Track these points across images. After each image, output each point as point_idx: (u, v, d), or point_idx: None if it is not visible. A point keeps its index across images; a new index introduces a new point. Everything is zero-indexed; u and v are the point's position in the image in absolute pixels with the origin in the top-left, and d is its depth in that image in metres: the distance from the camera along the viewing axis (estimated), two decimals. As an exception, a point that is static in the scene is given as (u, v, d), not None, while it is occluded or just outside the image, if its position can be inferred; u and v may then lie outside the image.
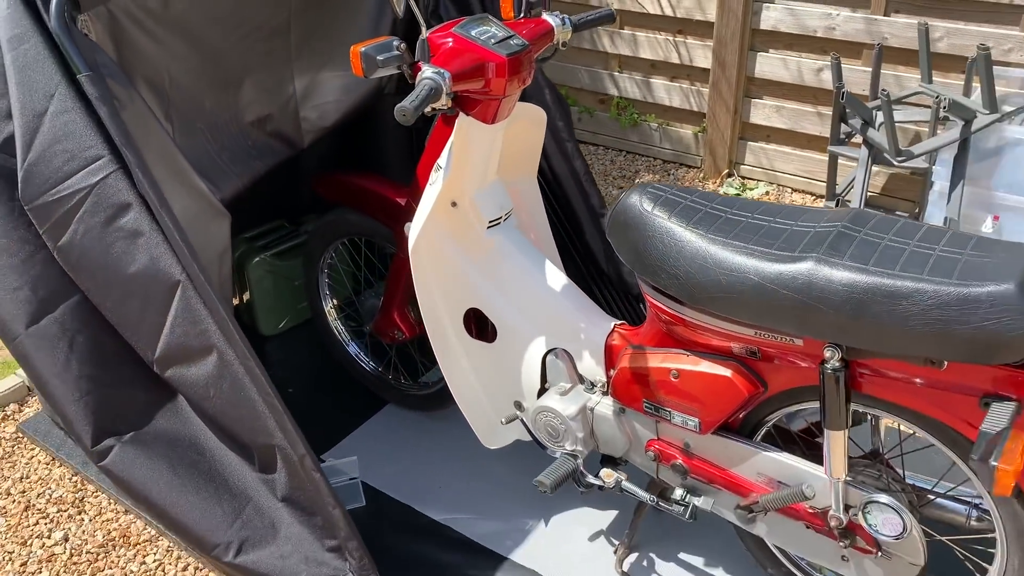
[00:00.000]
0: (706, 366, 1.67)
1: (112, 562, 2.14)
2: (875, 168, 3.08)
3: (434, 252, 1.91)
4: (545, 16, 1.89)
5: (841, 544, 1.65)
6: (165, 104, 1.77)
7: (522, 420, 2.01)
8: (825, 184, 3.35)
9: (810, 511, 1.67)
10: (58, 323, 1.73)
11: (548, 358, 1.95)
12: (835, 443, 1.55)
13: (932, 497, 1.69)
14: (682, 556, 2.04)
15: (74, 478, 2.38)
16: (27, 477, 2.41)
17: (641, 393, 1.78)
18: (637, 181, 3.85)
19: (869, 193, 3.37)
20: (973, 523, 1.66)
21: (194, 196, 1.72)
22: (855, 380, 1.52)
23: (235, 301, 2.81)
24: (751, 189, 3.72)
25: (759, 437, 1.75)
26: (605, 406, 1.88)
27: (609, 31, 3.88)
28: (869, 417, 1.74)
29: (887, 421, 1.71)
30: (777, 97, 3.58)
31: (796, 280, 1.43)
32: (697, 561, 2.03)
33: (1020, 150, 2.70)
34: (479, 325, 2.05)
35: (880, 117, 2.88)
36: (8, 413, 2.64)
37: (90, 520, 2.26)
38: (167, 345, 1.71)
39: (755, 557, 1.90)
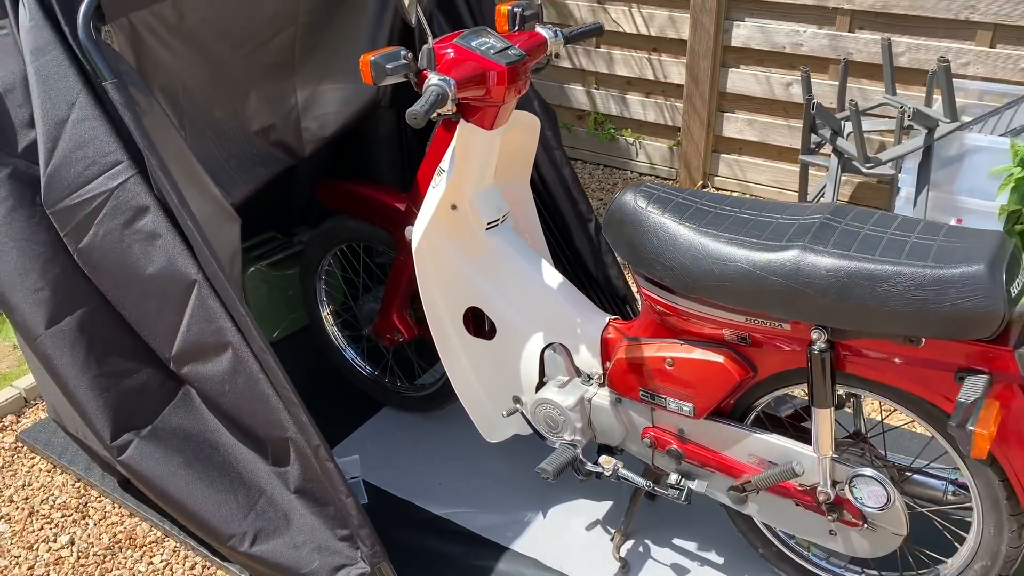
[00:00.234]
0: (699, 353, 1.77)
1: (120, 563, 2.18)
2: (844, 176, 3.23)
3: (435, 253, 2.00)
4: (539, 29, 2.00)
5: (829, 518, 1.75)
6: (179, 112, 1.85)
7: (522, 413, 2.10)
8: (796, 193, 3.50)
9: (799, 488, 1.77)
10: (77, 323, 1.79)
11: (546, 353, 2.04)
12: (822, 421, 1.66)
13: (911, 473, 1.80)
14: (676, 542, 2.13)
15: (77, 484, 2.42)
16: (29, 485, 2.44)
17: (637, 382, 1.88)
18: (614, 195, 3.98)
19: (838, 200, 3.52)
20: (950, 497, 1.77)
21: (208, 199, 1.80)
22: (840, 361, 1.63)
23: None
24: (725, 199, 3.86)
25: (749, 422, 1.86)
26: (602, 397, 1.98)
27: (586, 48, 4.02)
28: (852, 400, 1.85)
29: (869, 402, 1.83)
30: (748, 111, 3.73)
31: (784, 267, 1.54)
32: (690, 546, 2.12)
33: (980, 156, 2.86)
34: (477, 324, 2.14)
35: (848, 127, 3.03)
36: (6, 424, 2.67)
37: (95, 524, 2.30)
38: (184, 343, 1.78)
39: (746, 539, 2.00)
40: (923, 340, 1.51)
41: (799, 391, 1.77)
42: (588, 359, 2.00)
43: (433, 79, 1.71)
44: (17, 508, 2.36)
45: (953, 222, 2.91)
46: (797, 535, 1.88)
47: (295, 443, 1.80)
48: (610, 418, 1.98)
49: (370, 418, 2.60)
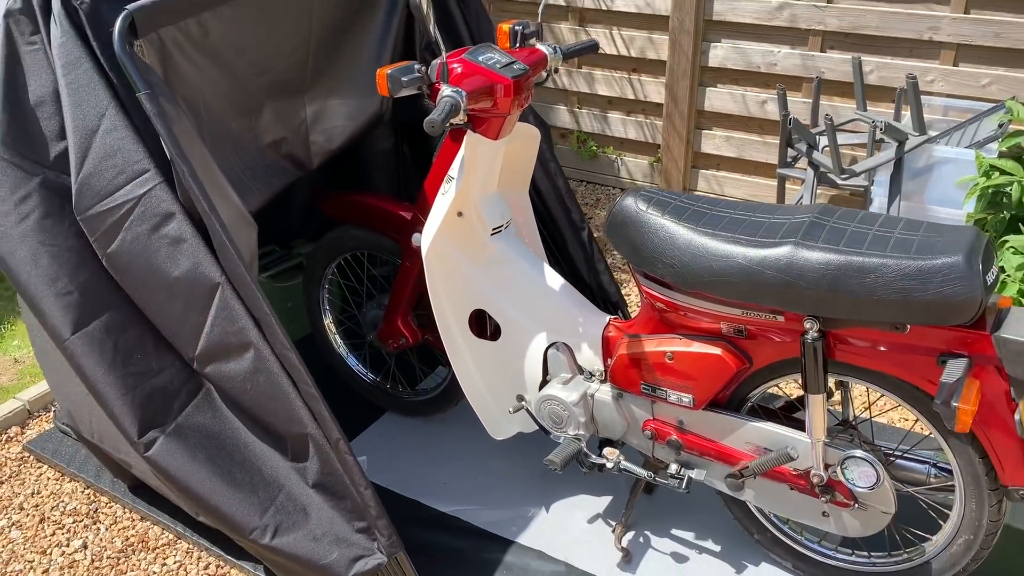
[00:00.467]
0: (698, 346, 1.88)
1: (134, 565, 2.23)
2: (819, 188, 3.38)
3: (442, 258, 2.09)
4: (539, 46, 2.13)
5: (822, 500, 1.86)
6: (200, 123, 1.93)
7: (527, 410, 2.19)
8: (774, 205, 3.65)
9: (793, 473, 1.88)
10: (104, 326, 1.85)
11: (550, 352, 2.14)
12: (815, 406, 1.77)
13: (896, 458, 1.92)
14: (675, 531, 2.23)
15: (86, 491, 2.47)
16: (38, 492, 2.48)
17: (639, 377, 1.99)
18: (598, 209, 4.11)
19: (813, 213, 3.67)
20: (933, 479, 1.90)
21: (230, 206, 1.88)
22: (831, 349, 1.75)
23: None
24: (705, 213, 4.00)
25: (744, 412, 1.97)
26: (604, 392, 2.08)
27: (568, 69, 4.16)
28: (841, 389, 1.97)
29: (856, 391, 1.94)
30: (726, 128, 3.89)
31: (779, 262, 1.67)
32: (688, 535, 2.22)
33: (947, 167, 3.02)
34: (480, 325, 2.23)
35: (823, 141, 3.19)
36: (11, 436, 2.71)
37: (106, 528, 2.34)
38: (207, 343, 1.85)
39: (742, 525, 2.10)
40: (908, 327, 1.64)
41: (792, 387, 1.88)
42: (590, 357, 2.11)
43: (446, 91, 1.82)
44: (28, 515, 2.40)
45: (923, 230, 3.08)
46: (792, 518, 1.99)
47: (314, 439, 1.88)
48: (612, 412, 2.08)
49: (372, 423, 2.68)
